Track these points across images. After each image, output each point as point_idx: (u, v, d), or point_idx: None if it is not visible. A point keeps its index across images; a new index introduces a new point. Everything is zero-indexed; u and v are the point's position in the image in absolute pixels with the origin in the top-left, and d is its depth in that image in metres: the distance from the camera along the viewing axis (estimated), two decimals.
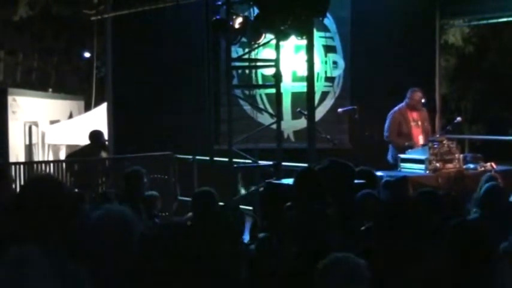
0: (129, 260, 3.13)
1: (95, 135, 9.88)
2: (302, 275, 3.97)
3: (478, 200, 5.73)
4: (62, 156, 14.71)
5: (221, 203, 6.12)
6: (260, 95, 11.05)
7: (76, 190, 5.90)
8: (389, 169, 9.01)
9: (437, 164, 8.61)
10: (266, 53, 9.56)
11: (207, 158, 8.78)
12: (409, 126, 9.65)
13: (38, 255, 3.16)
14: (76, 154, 10.42)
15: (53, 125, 15.51)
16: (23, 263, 3.11)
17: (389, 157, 9.68)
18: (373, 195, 5.53)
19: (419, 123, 9.72)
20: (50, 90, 20.84)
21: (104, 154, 10.19)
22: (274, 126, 8.70)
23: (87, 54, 20.17)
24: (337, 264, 3.07)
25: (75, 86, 21.65)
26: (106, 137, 10.67)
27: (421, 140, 9.57)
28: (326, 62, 11.47)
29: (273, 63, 8.53)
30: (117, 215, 3.33)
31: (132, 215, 3.26)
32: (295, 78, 11.09)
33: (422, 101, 9.77)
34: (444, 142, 8.83)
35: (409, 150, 9.10)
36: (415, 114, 9.71)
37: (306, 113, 8.17)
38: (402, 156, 9.00)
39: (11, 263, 3.12)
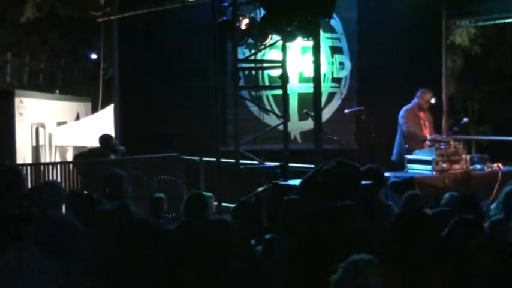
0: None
1: (105, 139, 9.87)
2: (307, 275, 3.97)
3: (501, 202, 5.66)
4: (69, 157, 14.71)
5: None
6: (267, 96, 11.07)
7: (85, 192, 5.81)
8: (396, 170, 9.01)
9: (444, 165, 8.60)
10: (272, 54, 9.56)
11: (214, 159, 8.78)
12: (420, 125, 9.65)
13: (36, 255, 3.18)
14: (85, 155, 10.41)
15: (60, 127, 15.49)
16: (22, 262, 3.12)
17: (395, 157, 9.66)
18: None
19: (427, 123, 9.75)
20: (57, 91, 20.85)
21: (113, 157, 10.19)
22: (280, 127, 8.69)
23: (93, 56, 20.20)
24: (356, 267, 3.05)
25: (82, 88, 21.63)
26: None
27: None
28: (332, 63, 11.48)
29: (279, 65, 8.52)
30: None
31: None
32: (302, 79, 11.10)
33: (432, 101, 9.79)
34: (451, 143, 8.83)
35: (416, 151, 9.09)
36: (422, 115, 9.75)
37: (312, 114, 8.16)
38: (409, 157, 9.00)
39: (10, 261, 3.14)
